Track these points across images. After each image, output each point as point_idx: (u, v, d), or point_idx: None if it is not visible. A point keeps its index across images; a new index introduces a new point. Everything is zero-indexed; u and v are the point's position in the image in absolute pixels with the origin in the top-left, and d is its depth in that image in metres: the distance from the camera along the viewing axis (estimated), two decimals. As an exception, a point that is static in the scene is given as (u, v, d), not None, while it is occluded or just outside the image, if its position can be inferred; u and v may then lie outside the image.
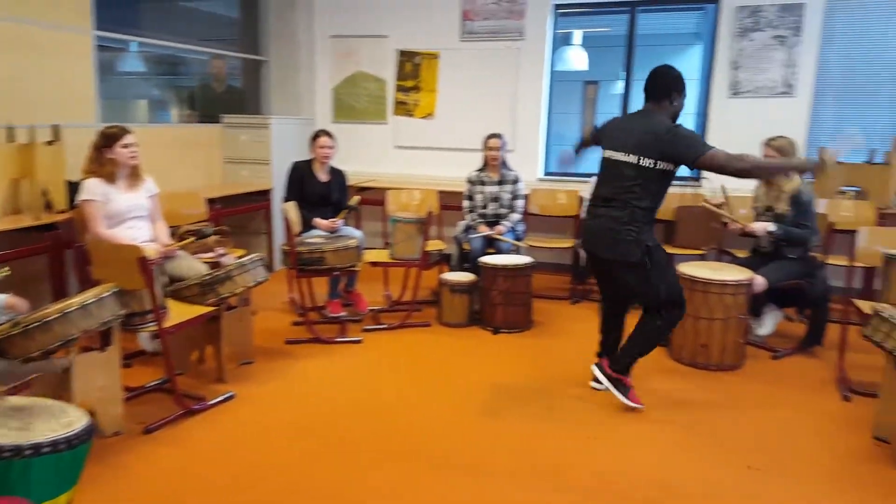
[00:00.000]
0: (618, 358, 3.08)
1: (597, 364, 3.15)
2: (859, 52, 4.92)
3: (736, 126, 5.08)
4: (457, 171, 5.20)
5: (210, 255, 3.55)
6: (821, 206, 4.42)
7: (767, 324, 3.89)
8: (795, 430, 2.86)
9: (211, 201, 4.50)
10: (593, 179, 3.04)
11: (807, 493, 2.37)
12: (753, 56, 5.01)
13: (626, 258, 2.83)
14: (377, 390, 3.21)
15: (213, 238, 3.48)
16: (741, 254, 4.21)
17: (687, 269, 3.62)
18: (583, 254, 4.79)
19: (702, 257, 4.65)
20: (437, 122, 5.89)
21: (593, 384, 3.15)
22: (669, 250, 4.83)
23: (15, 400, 2.01)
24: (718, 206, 4.14)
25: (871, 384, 3.08)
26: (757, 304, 3.77)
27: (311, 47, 6.08)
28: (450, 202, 5.08)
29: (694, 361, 3.56)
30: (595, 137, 3.10)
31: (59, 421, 1.87)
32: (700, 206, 4.45)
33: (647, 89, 2.90)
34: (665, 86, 2.86)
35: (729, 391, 3.27)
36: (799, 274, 3.71)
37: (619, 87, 5.70)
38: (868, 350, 2.67)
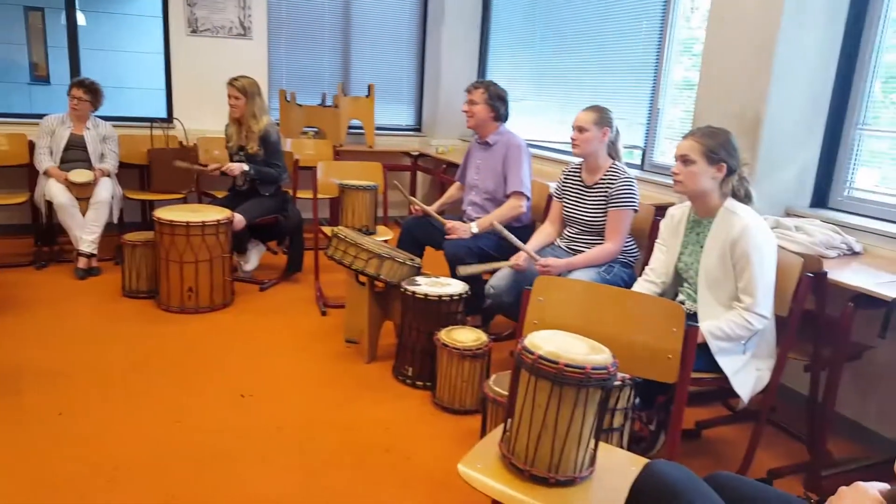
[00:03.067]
0: None
1: None
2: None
3: (200, 65, 4.98)
4: None
5: None
6: (287, 145, 4.78)
7: (252, 259, 4.05)
8: (284, 351, 3.07)
9: None
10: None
11: (294, 404, 2.58)
12: (209, -6, 4.94)
13: None
14: None
15: None
16: (220, 194, 4.22)
17: (165, 213, 3.42)
18: (44, 209, 4.08)
19: (184, 200, 4.49)
20: None
21: None
22: (147, 196, 4.52)
23: None
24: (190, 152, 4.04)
25: (341, 297, 3.53)
26: (240, 242, 3.87)
27: None
28: None
29: (183, 307, 3.43)
30: None
31: None
32: (173, 160, 4.23)
33: None
34: None
35: (221, 329, 3.28)
36: (274, 209, 3.94)
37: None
38: (340, 269, 3.00)
